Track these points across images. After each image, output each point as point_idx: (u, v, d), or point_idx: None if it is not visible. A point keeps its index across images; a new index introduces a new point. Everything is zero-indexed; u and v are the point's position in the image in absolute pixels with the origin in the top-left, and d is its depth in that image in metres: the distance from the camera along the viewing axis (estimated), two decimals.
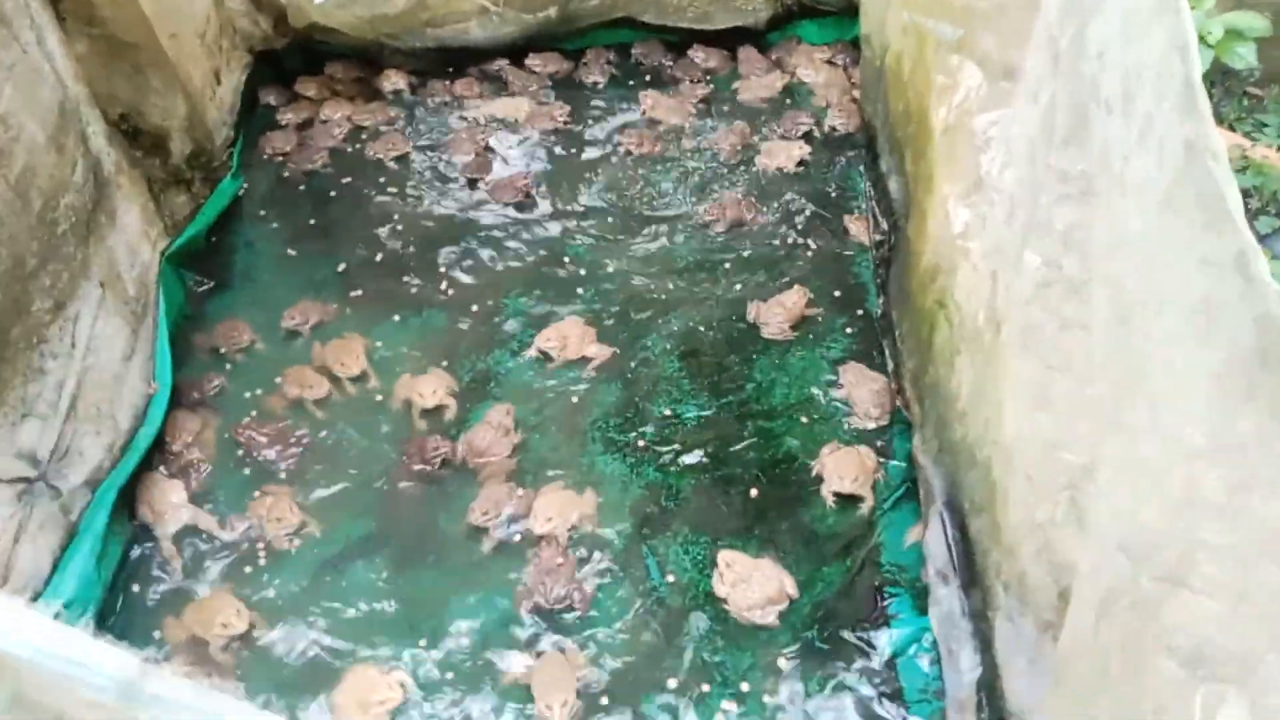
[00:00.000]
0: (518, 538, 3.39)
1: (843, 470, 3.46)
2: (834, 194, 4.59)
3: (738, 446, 3.64)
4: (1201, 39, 4.21)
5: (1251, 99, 4.46)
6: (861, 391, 3.73)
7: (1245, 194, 4.11)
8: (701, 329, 4.04)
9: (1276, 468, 1.51)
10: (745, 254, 4.33)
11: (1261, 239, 4.03)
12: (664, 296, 4.17)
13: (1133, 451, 1.86)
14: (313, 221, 4.58)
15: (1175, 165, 1.56)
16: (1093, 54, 2.04)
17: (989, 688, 2.80)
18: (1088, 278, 2.24)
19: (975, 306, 3.00)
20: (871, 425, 3.66)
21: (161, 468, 3.61)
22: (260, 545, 3.41)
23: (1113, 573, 1.96)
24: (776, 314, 4.00)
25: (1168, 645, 1.76)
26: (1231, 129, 4.32)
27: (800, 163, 4.71)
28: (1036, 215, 2.50)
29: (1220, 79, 4.44)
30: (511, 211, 4.56)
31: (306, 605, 3.26)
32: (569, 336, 3.97)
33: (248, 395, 3.87)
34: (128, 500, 3.47)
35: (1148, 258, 1.73)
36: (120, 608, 3.28)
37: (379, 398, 3.85)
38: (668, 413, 3.76)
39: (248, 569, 3.37)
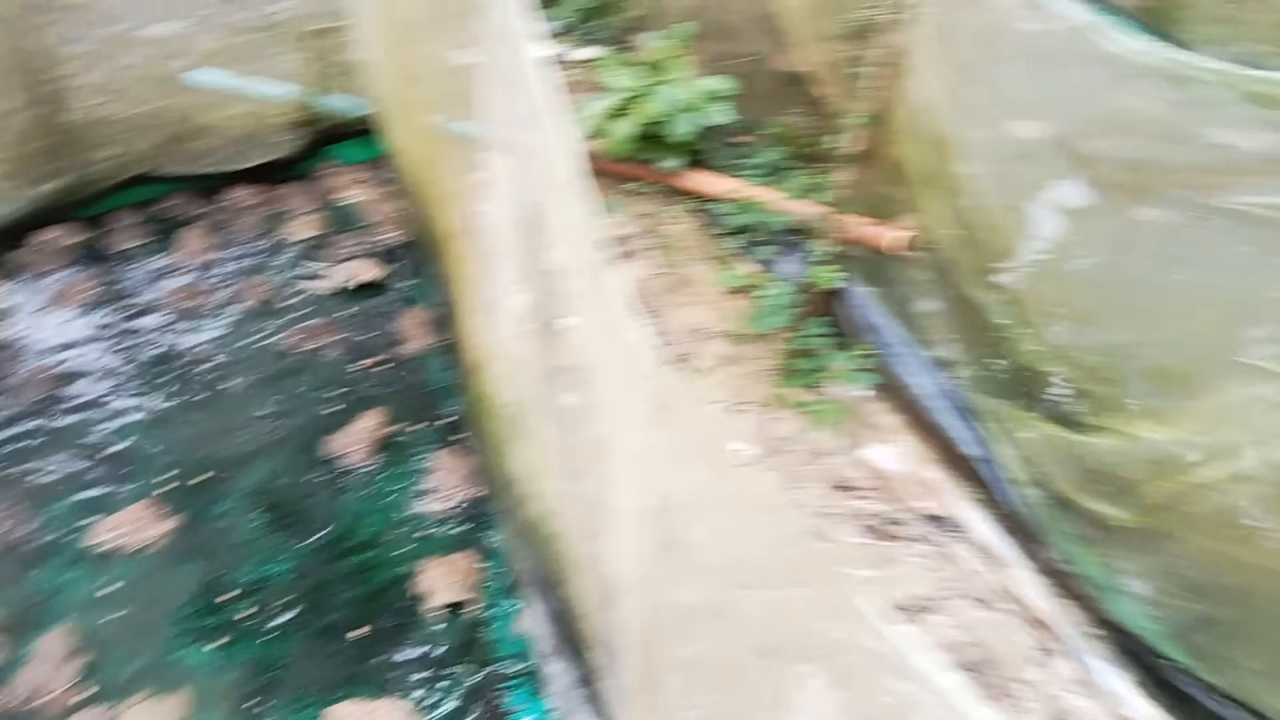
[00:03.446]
0: None
1: (443, 581, 3.43)
2: (396, 307, 4.61)
3: (334, 591, 3.49)
4: (686, 107, 4.75)
5: (739, 146, 5.06)
6: (453, 495, 3.72)
7: (747, 229, 4.65)
8: (278, 479, 3.85)
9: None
10: (313, 389, 4.21)
11: (768, 264, 4.56)
12: (233, 454, 3.93)
13: (609, 496, 1.99)
14: None
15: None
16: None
17: None
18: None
19: (510, 393, 3.10)
20: (464, 527, 3.66)
21: None
22: None
23: (635, 609, 2.07)
24: (354, 442, 3.91)
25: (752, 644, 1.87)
26: (729, 174, 4.87)
27: (358, 283, 4.69)
28: (533, 301, 2.63)
29: (710, 134, 5.00)
30: (44, 408, 4.11)
31: None
32: (133, 522, 3.62)
33: None
34: None
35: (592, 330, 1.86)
36: None
37: None
38: (255, 577, 3.53)
39: None
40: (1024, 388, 3.28)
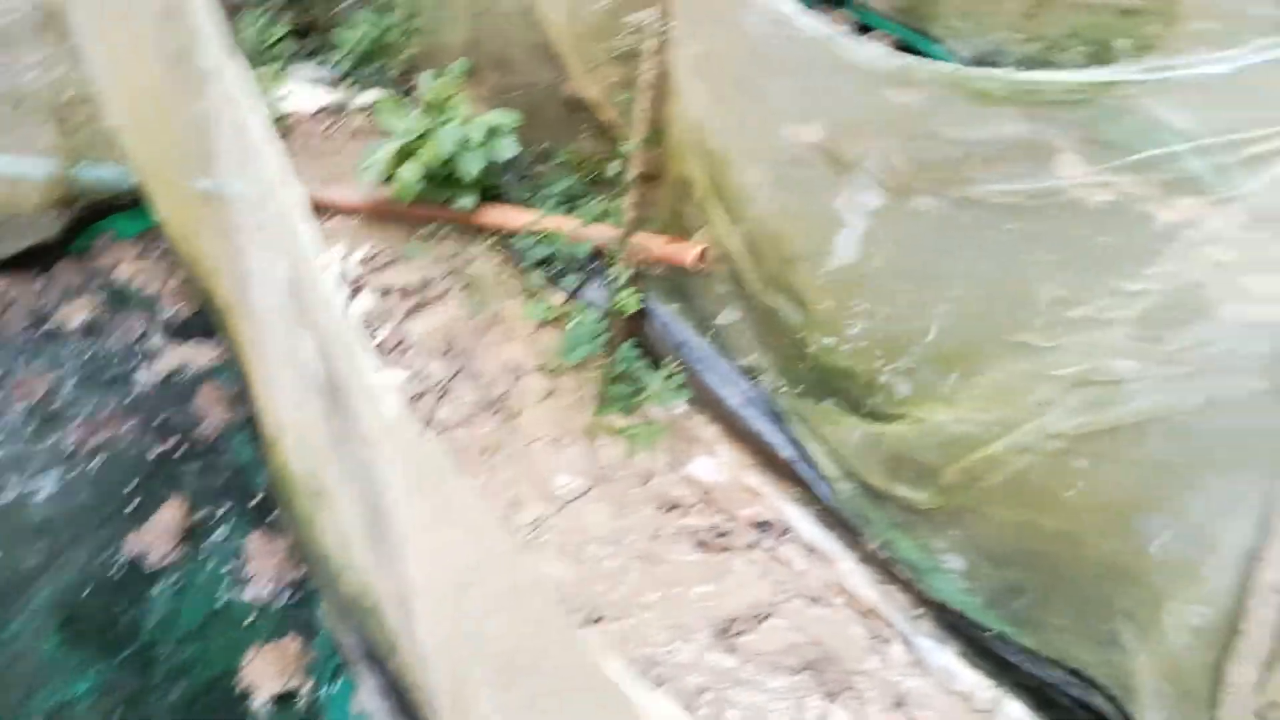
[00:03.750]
0: None
1: (269, 670, 3.24)
2: (190, 386, 4.33)
3: (150, 701, 3.23)
4: (472, 144, 4.67)
5: (534, 176, 5.03)
6: (270, 577, 3.53)
7: (551, 259, 4.62)
8: (75, 590, 3.54)
9: None
10: (106, 485, 3.90)
11: (574, 294, 4.55)
12: (20, 571, 3.59)
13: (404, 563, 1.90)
14: None
15: None
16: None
17: None
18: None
19: (305, 465, 2.96)
20: (286, 610, 3.47)
21: None
22: None
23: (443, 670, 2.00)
24: (156, 538, 3.65)
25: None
26: (527, 207, 4.83)
27: (146, 365, 4.39)
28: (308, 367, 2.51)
29: (505, 167, 4.93)
30: None
31: None
32: None
33: None
34: None
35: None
36: None
37: None
38: (56, 701, 3.23)
39: None
40: (824, 385, 3.38)
